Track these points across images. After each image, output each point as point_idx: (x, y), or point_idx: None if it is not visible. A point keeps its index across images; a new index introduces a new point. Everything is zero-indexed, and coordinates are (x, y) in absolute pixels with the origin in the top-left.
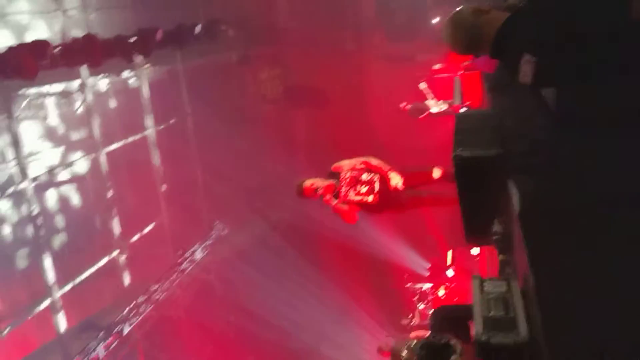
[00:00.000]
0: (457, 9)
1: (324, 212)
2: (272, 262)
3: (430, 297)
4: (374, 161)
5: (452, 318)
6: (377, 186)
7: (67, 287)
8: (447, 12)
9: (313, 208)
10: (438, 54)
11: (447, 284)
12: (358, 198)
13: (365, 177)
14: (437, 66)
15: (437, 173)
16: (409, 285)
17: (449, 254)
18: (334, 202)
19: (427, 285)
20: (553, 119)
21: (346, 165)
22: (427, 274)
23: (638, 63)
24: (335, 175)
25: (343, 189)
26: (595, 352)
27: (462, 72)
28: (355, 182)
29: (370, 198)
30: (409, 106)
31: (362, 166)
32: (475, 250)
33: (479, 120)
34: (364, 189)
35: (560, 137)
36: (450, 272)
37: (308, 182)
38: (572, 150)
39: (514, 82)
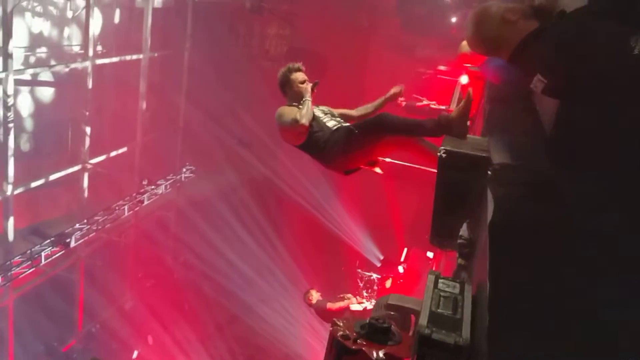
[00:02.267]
0: (488, 3)
1: (299, 179)
2: (232, 216)
3: (375, 287)
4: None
5: (397, 307)
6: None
7: (25, 187)
8: (466, 14)
9: (289, 174)
10: (447, 55)
11: (395, 278)
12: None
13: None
14: (442, 67)
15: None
16: (359, 270)
17: (404, 251)
18: None
19: (375, 275)
20: (544, 140)
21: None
22: (378, 264)
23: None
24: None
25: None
26: None
27: (465, 77)
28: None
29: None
30: (404, 103)
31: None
32: (430, 254)
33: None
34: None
35: (547, 157)
36: (400, 269)
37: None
38: (557, 172)
39: (517, 95)
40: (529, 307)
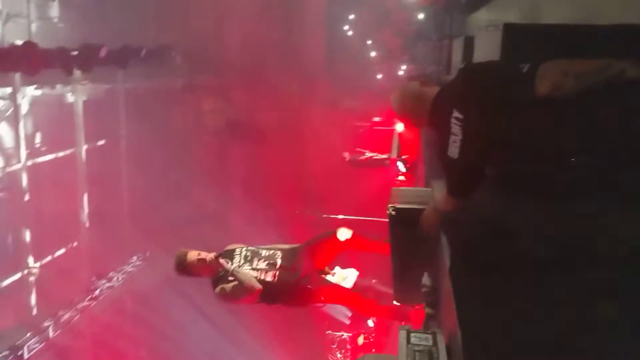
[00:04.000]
0: (407, 83)
1: None
2: (190, 297)
3: (348, 346)
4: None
5: None
6: (279, 262)
7: None
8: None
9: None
10: (379, 107)
11: (366, 334)
12: (254, 273)
13: (265, 252)
14: (377, 118)
15: (343, 234)
16: (328, 332)
17: None
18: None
19: (346, 334)
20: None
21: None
22: (347, 322)
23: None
24: (229, 253)
25: (236, 262)
26: None
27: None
28: (254, 255)
29: (269, 277)
30: (349, 157)
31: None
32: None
33: (414, 192)
34: (262, 264)
35: (492, 196)
36: (370, 322)
37: (193, 254)
38: (505, 209)
39: None
40: (502, 350)
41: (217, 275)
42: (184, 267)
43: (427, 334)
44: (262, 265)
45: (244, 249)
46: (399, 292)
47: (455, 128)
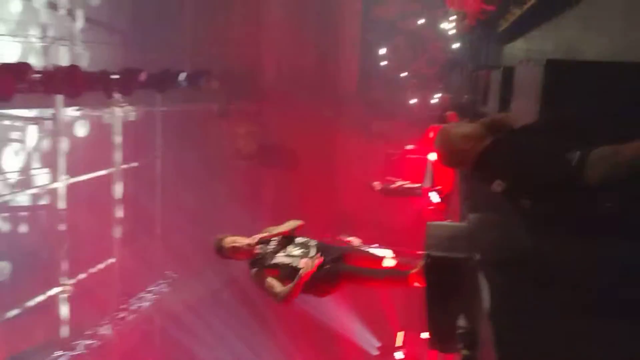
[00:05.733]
0: (449, 125)
1: None
2: (219, 321)
3: None
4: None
5: None
6: (312, 251)
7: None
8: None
9: None
10: (412, 134)
11: None
12: (287, 260)
13: (300, 240)
14: (410, 146)
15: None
16: None
17: (400, 335)
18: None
19: None
20: (526, 220)
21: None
22: (376, 353)
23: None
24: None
25: (272, 246)
26: None
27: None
28: (289, 242)
29: (301, 264)
30: (379, 186)
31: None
32: (425, 334)
33: (450, 229)
34: (296, 251)
35: (531, 237)
36: (399, 354)
37: (229, 240)
38: (544, 249)
39: None
40: None
41: (254, 257)
42: (221, 252)
43: None
44: (297, 252)
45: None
46: (436, 340)
47: (497, 188)
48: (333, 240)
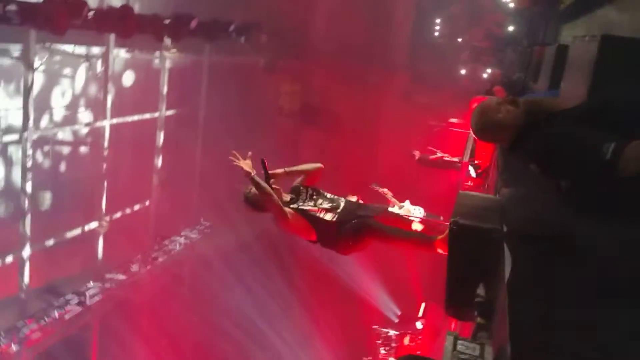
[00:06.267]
0: (485, 100)
1: None
2: (246, 271)
3: (394, 344)
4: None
5: None
6: (342, 205)
7: (41, 246)
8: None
9: None
10: (458, 107)
11: (413, 335)
12: (314, 210)
13: (330, 195)
14: (454, 119)
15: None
16: (375, 327)
17: (422, 305)
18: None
19: (393, 332)
20: (559, 198)
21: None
22: (396, 320)
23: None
24: (295, 189)
25: (301, 198)
26: None
27: None
28: (319, 195)
29: (328, 216)
30: (419, 155)
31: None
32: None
33: (480, 200)
34: (325, 204)
35: (564, 215)
36: (419, 324)
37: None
38: (576, 229)
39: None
40: None
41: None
42: (250, 201)
43: (475, 343)
44: (325, 204)
45: (310, 188)
46: (452, 306)
47: (534, 169)
48: (365, 189)
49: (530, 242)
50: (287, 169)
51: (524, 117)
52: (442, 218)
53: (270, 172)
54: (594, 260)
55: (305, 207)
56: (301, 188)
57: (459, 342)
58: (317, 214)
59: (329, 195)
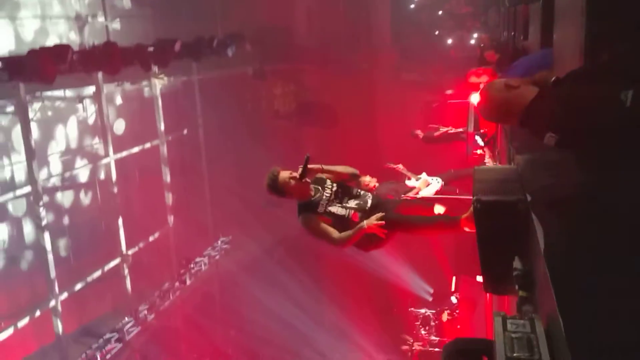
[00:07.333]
0: (492, 81)
1: None
2: (274, 278)
3: (433, 323)
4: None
5: (466, 351)
6: (369, 203)
7: (69, 292)
8: (461, 38)
9: None
10: (451, 79)
11: (450, 310)
12: (342, 211)
13: (356, 192)
14: (449, 91)
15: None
16: (411, 309)
17: (453, 280)
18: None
19: (430, 311)
20: (579, 159)
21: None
22: (430, 299)
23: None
24: (321, 181)
25: (326, 194)
26: None
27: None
28: (345, 193)
29: (356, 217)
30: (422, 134)
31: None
32: (480, 278)
33: (498, 172)
34: (352, 203)
35: (585, 175)
36: (454, 299)
37: (285, 173)
38: (599, 188)
39: None
40: (610, 336)
41: (305, 201)
42: (274, 185)
43: (525, 320)
44: (352, 204)
45: (336, 184)
46: (489, 283)
47: (550, 140)
48: (376, 174)
49: (557, 206)
50: (324, 167)
51: (531, 92)
52: (458, 191)
53: (309, 166)
54: (627, 216)
55: (332, 210)
56: (327, 182)
57: (509, 321)
58: (346, 216)
59: (354, 191)
